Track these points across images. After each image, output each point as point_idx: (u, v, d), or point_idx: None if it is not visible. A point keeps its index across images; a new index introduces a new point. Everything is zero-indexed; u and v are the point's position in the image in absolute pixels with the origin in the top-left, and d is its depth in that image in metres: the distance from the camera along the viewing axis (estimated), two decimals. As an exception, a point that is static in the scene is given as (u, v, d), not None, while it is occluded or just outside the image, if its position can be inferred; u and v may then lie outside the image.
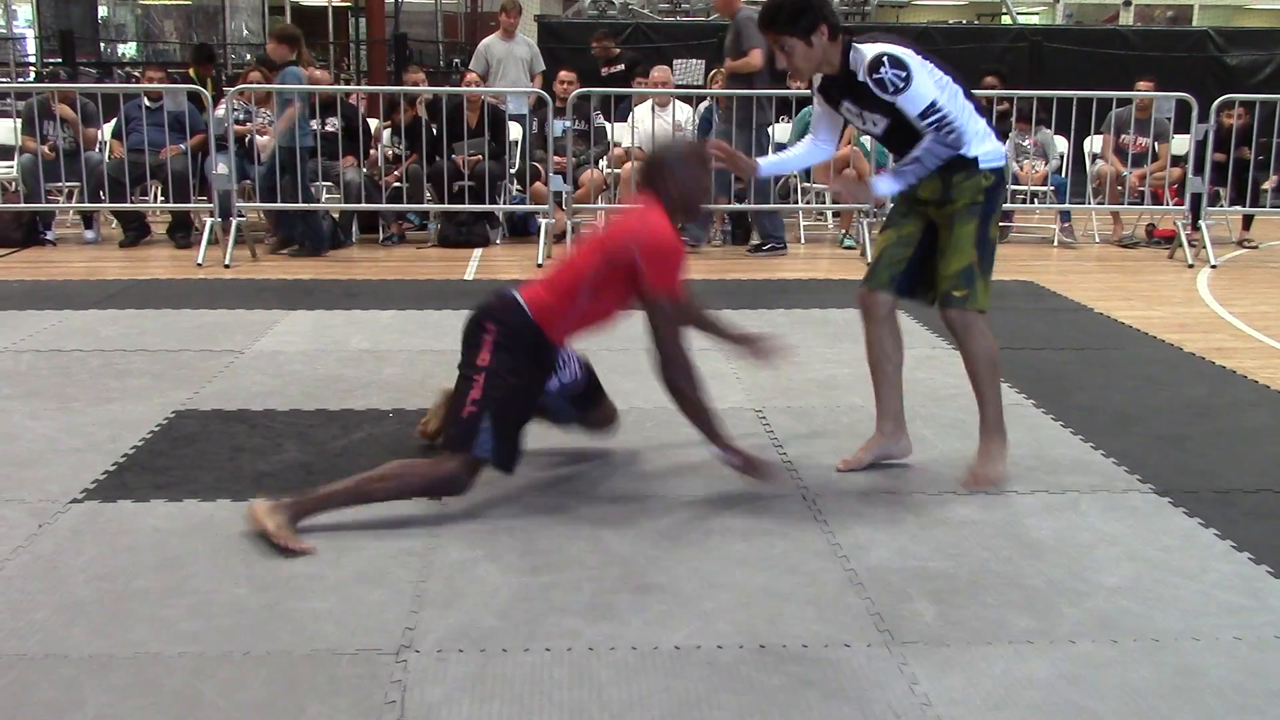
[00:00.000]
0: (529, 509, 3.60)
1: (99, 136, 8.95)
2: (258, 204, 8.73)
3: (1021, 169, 9.47)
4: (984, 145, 3.72)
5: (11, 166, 9.13)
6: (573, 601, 2.99)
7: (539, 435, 4.16)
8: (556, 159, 8.62)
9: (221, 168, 8.01)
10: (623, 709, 2.50)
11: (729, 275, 7.67)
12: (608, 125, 9.31)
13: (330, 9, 23.45)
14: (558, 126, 8.85)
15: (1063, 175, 9.48)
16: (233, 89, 8.64)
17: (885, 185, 3.69)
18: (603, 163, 9.21)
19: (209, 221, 8.05)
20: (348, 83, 17.18)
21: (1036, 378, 5.12)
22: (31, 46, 20.23)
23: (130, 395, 4.72)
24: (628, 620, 2.89)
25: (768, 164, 4.23)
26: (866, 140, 8.81)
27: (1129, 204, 9.31)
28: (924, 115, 3.57)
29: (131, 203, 8.69)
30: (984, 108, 3.85)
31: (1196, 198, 8.65)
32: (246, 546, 3.28)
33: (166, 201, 8.67)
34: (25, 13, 21.55)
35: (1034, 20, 24.98)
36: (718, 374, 5.14)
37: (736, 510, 3.60)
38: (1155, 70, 10.30)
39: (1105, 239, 9.57)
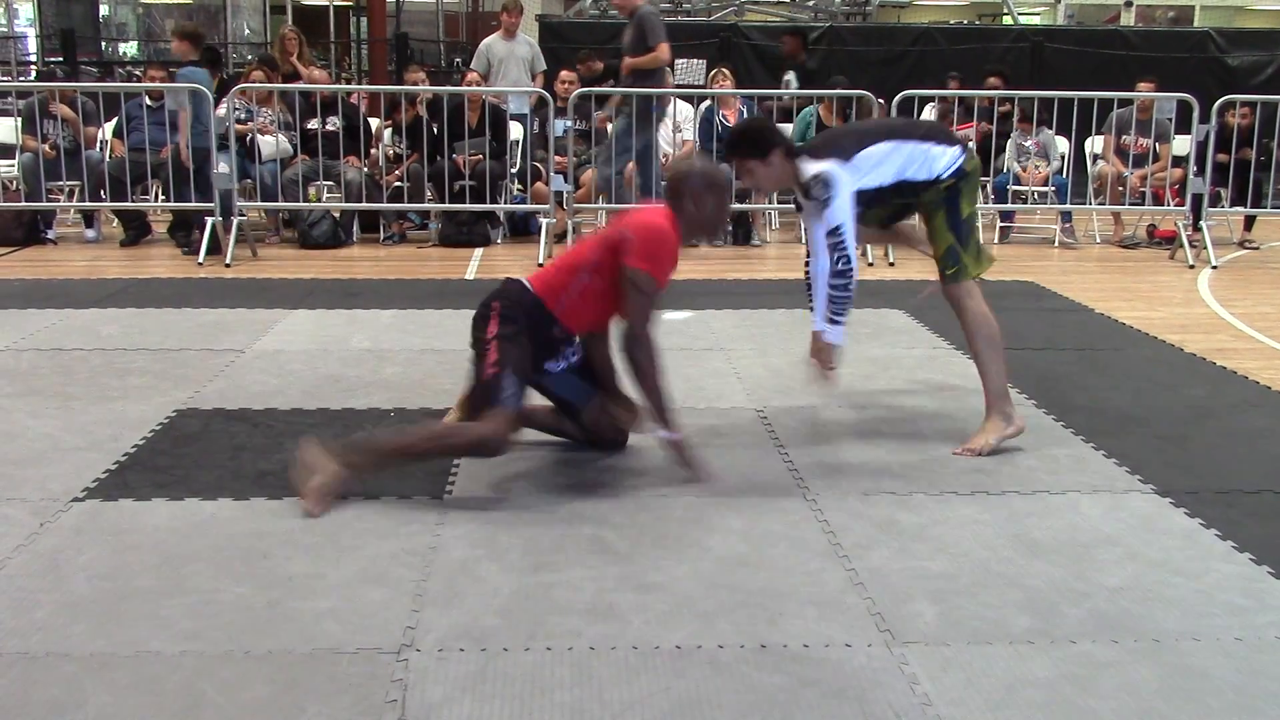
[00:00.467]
0: (530, 509, 3.60)
1: (99, 135, 8.95)
2: (259, 203, 8.74)
3: (1023, 170, 9.47)
4: (940, 163, 4.14)
5: (12, 165, 9.13)
6: (574, 601, 2.99)
7: (540, 434, 4.16)
8: (557, 159, 8.62)
9: (223, 167, 8.01)
10: (623, 708, 2.50)
11: (729, 275, 7.68)
12: (608, 125, 9.32)
13: (332, 8, 23.46)
14: (559, 126, 8.86)
15: (1064, 176, 9.48)
16: (234, 88, 8.64)
17: (837, 335, 4.21)
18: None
19: (210, 221, 8.05)
20: (349, 82, 17.18)
21: (1037, 378, 5.12)
22: (33, 45, 20.23)
23: (131, 394, 4.73)
24: (629, 620, 2.89)
25: (833, 333, 4.28)
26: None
27: (1130, 205, 9.31)
28: (829, 234, 4.06)
29: (132, 202, 8.69)
30: (944, 129, 4.46)
31: (1197, 198, 8.65)
32: (248, 546, 3.28)
33: (167, 200, 8.68)
34: (27, 11, 21.54)
35: (1035, 21, 24.97)
36: (719, 373, 5.15)
37: (737, 510, 3.60)
38: (1156, 71, 10.30)
39: (1106, 239, 9.57)
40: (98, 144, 8.90)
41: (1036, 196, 9.47)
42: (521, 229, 9.23)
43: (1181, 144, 9.32)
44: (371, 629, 2.83)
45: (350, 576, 3.11)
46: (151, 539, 3.33)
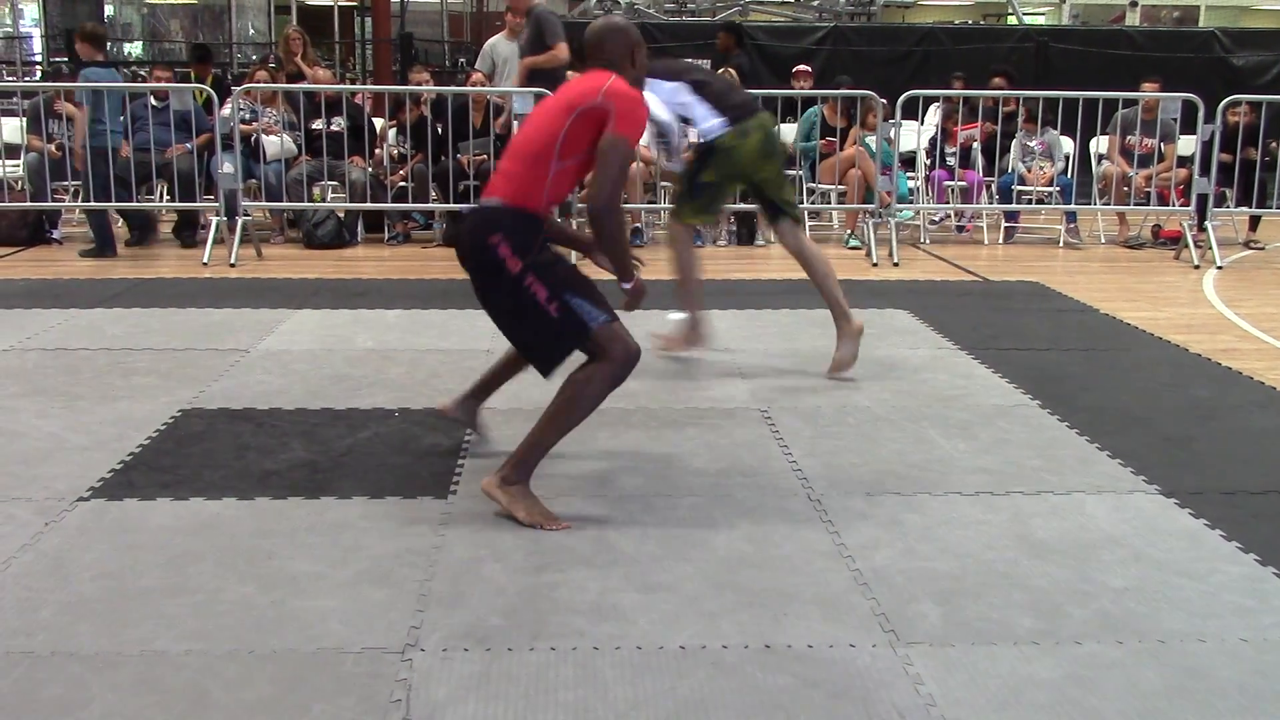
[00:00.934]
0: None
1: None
2: (264, 203, 8.75)
3: (1028, 170, 9.46)
4: (701, 126, 4.96)
5: (18, 165, 9.14)
6: (578, 601, 2.99)
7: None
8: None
9: (227, 167, 8.02)
10: (628, 708, 2.50)
11: (734, 275, 7.67)
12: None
13: (336, 8, 23.48)
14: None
15: (1069, 176, 9.47)
16: (238, 88, 8.65)
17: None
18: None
19: (214, 220, 8.06)
20: (353, 82, 17.19)
21: (1042, 378, 5.12)
22: (38, 45, 20.26)
23: (136, 394, 4.73)
24: (633, 620, 2.89)
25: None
26: (871, 140, 8.81)
27: (1135, 205, 9.30)
28: None
29: (138, 202, 8.70)
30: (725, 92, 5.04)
31: (1203, 199, 8.64)
32: (252, 545, 3.29)
33: (172, 201, 8.69)
34: (32, 11, 21.57)
35: (1040, 21, 24.95)
36: (723, 373, 5.15)
37: (741, 511, 3.60)
38: (1161, 71, 10.28)
39: (1111, 240, 9.56)
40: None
41: (1042, 197, 9.47)
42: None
43: (1186, 144, 9.30)
44: (376, 629, 2.83)
45: (354, 576, 3.11)
46: (156, 538, 3.33)
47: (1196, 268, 8.30)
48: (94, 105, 8.25)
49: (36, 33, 20.98)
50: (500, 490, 3.50)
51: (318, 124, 8.75)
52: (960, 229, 9.84)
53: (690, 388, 4.92)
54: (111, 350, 5.40)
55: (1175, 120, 9.25)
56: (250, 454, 4.04)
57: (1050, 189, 9.40)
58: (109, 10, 23.14)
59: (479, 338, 5.68)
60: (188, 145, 8.51)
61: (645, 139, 8.73)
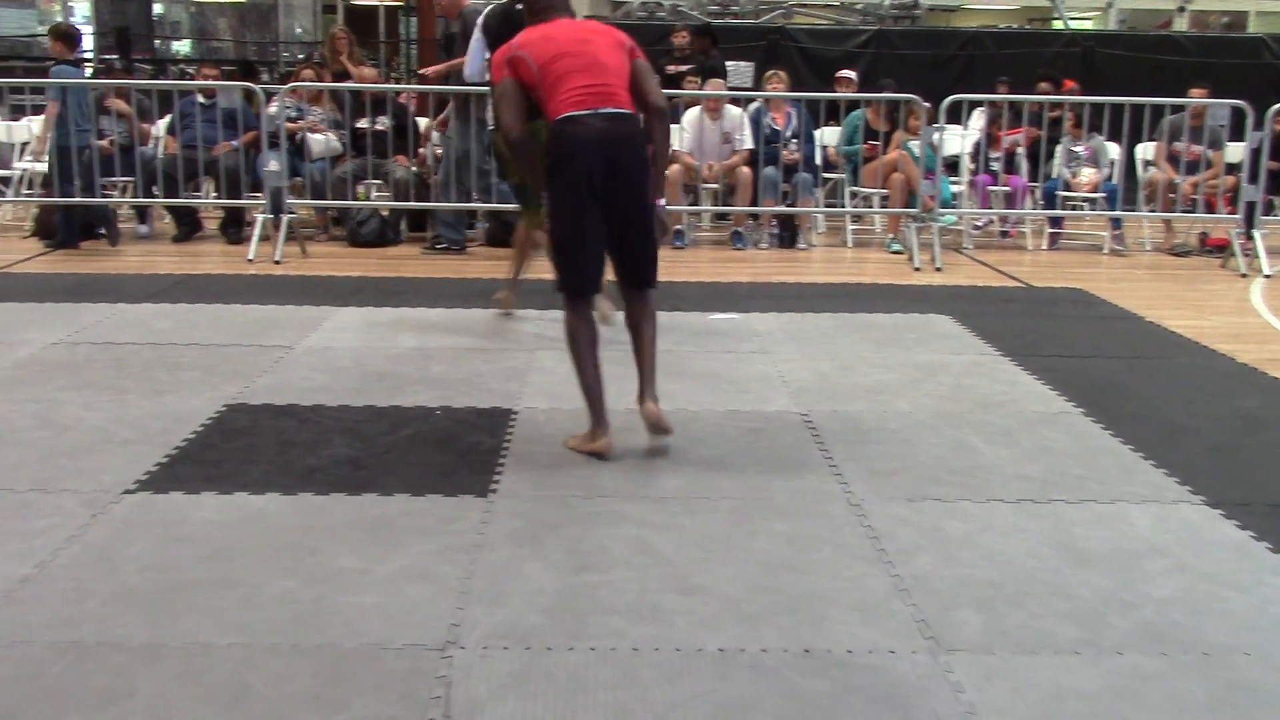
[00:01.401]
0: (574, 509, 3.61)
1: (153, 132, 9.06)
2: (309, 201, 8.81)
3: (1074, 175, 9.38)
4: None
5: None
6: (618, 601, 2.99)
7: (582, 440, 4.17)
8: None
9: (273, 165, 8.09)
10: (667, 710, 2.50)
11: (775, 278, 7.66)
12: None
13: (382, 8, 23.60)
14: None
15: (1114, 182, 9.38)
16: (284, 87, 8.72)
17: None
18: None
19: (260, 218, 8.14)
20: (398, 81, 17.29)
21: (1086, 386, 5.07)
22: (88, 43, 20.50)
23: (182, 388, 4.78)
24: (672, 622, 2.89)
25: None
26: (914, 144, 8.77)
27: (1181, 212, 9.20)
28: None
29: (184, 198, 8.79)
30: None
31: (1250, 206, 8.54)
32: (295, 540, 3.32)
33: (219, 197, 8.78)
34: (84, 9, 21.83)
35: (1086, 25, 24.74)
36: (763, 376, 5.14)
37: (781, 514, 3.60)
38: (1210, 77, 10.15)
39: (1157, 247, 9.46)
40: (151, 141, 9.02)
41: (1087, 204, 9.38)
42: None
43: (1235, 151, 9.19)
44: (416, 625, 2.85)
45: (395, 572, 3.13)
46: (201, 532, 3.37)
47: (1244, 276, 8.20)
48: (64, 103, 8.32)
49: (87, 30, 21.23)
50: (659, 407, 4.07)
51: (363, 123, 8.81)
52: (1004, 234, 9.77)
53: (731, 390, 4.92)
54: (158, 345, 5.47)
55: (1224, 127, 9.15)
56: (294, 450, 4.08)
57: (1096, 195, 9.32)
58: (158, 9, 23.39)
59: (520, 338, 5.70)
60: (234, 143, 8.60)
61: (686, 143, 8.77)
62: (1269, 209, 9.00)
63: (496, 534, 3.40)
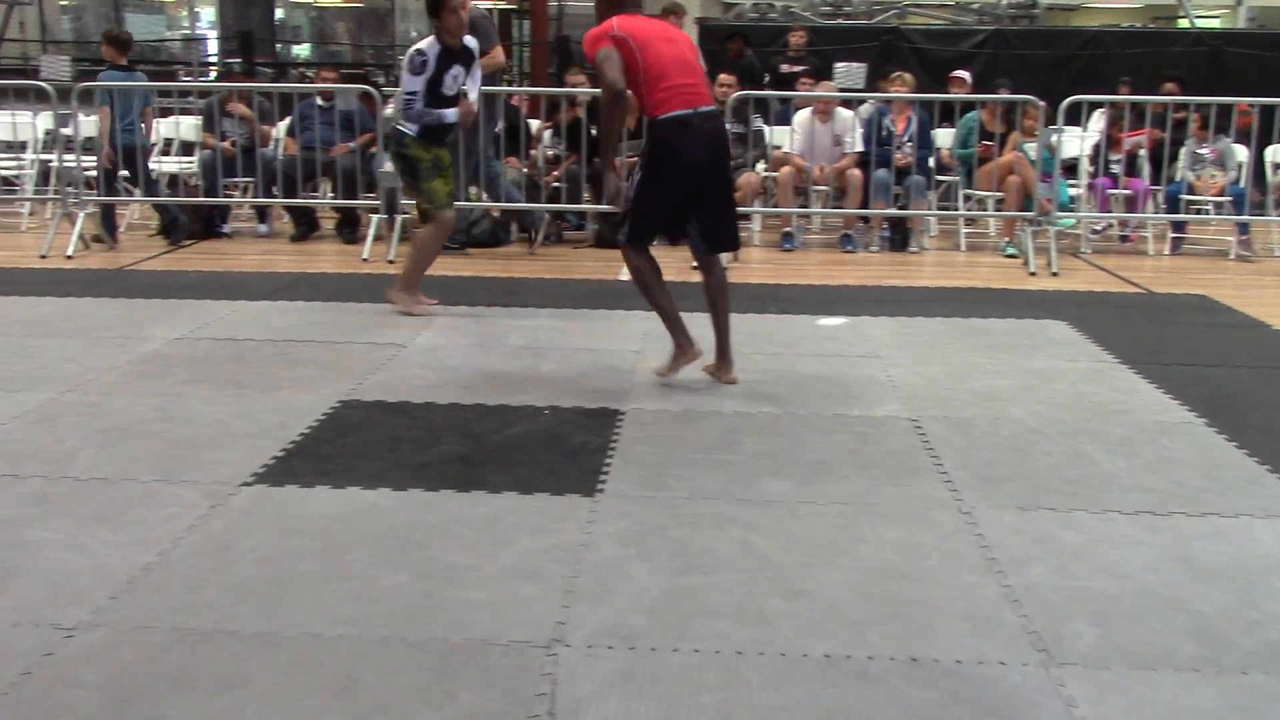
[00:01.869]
0: (680, 511, 3.60)
1: (273, 134, 9.30)
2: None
3: (1198, 179, 9.10)
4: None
5: (193, 162, 9.55)
6: (722, 604, 2.98)
7: (687, 440, 4.17)
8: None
9: (388, 166, 8.22)
10: (770, 714, 2.49)
11: (886, 282, 7.56)
12: (766, 129, 9.27)
13: (495, 12, 23.89)
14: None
15: (1241, 186, 9.07)
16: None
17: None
18: (760, 166, 9.17)
19: (375, 218, 8.29)
20: (510, 84, 17.48)
21: (1209, 395, 4.92)
22: (213, 47, 21.10)
23: (299, 384, 4.89)
24: (777, 626, 2.87)
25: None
26: (1030, 146, 8.59)
27: (1313, 217, 8.87)
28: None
29: (302, 198, 9.00)
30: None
31: (1388, 211, 8.19)
32: (406, 535, 3.37)
33: (336, 198, 8.96)
34: (209, 14, 22.48)
35: (1214, 23, 24.00)
36: (873, 381, 5.08)
37: (889, 520, 3.55)
38: (1346, 76, 9.78)
39: (1286, 253, 9.13)
40: (271, 142, 9.25)
41: (1212, 208, 9.09)
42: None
43: (1371, 154, 8.83)
44: (523, 622, 2.87)
45: (503, 570, 3.16)
46: (315, 525, 3.44)
47: (1379, 284, 7.88)
48: (121, 106, 8.55)
49: (212, 35, 21.85)
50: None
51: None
52: (1124, 239, 9.52)
53: (839, 394, 4.87)
54: (276, 341, 5.60)
55: (1360, 128, 8.78)
56: (405, 446, 4.14)
57: (1222, 199, 9.02)
58: (279, 13, 23.99)
59: (628, 339, 5.72)
60: (351, 145, 8.77)
61: (797, 145, 8.72)
62: (1407, 214, 8.62)
63: (602, 534, 3.41)
